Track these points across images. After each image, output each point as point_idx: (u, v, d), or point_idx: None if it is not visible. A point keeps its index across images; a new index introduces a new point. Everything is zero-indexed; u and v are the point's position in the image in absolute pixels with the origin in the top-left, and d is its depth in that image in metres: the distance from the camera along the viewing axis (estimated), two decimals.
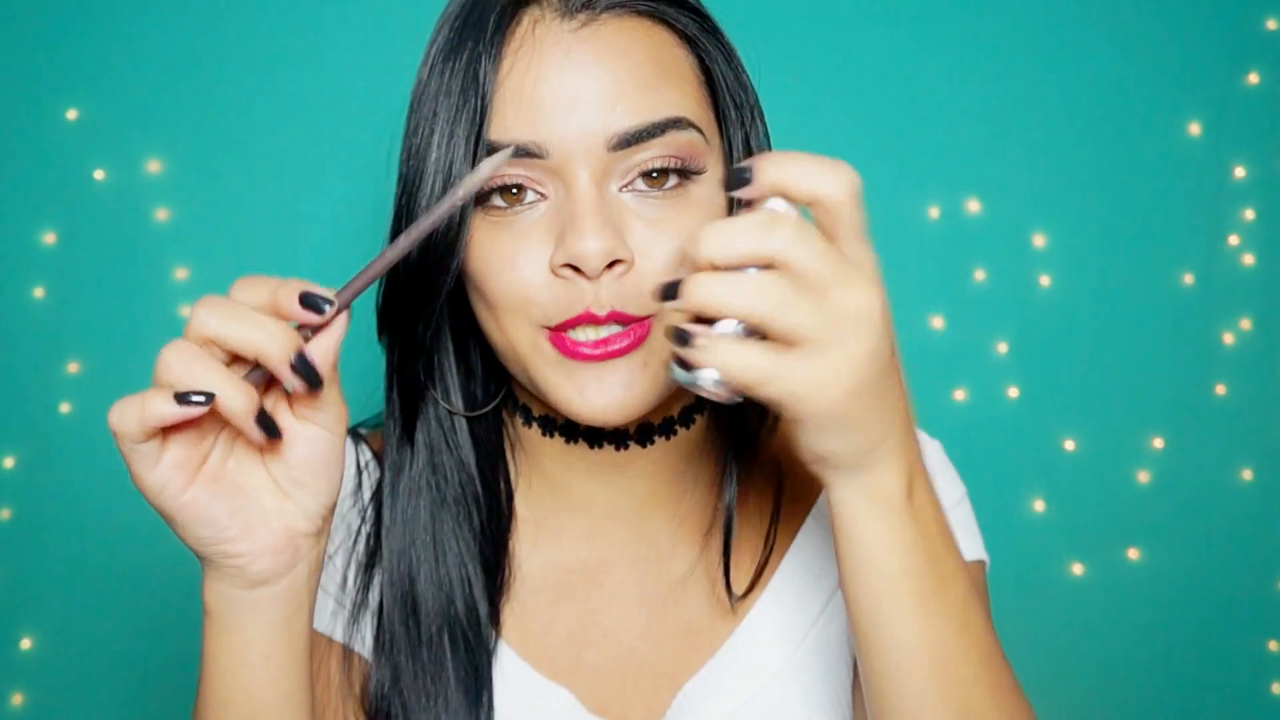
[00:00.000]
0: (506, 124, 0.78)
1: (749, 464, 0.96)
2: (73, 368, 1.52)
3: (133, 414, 0.63)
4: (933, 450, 1.00)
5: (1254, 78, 1.61)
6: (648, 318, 0.80)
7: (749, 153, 0.86)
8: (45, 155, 1.50)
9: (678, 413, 0.91)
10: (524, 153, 0.77)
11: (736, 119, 0.85)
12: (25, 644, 1.52)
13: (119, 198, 1.51)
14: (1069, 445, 1.62)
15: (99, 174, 1.51)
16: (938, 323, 1.60)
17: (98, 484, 1.52)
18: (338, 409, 0.70)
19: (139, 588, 1.53)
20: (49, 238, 1.51)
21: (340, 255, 1.53)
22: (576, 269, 0.77)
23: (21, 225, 1.51)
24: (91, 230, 1.51)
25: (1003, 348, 1.61)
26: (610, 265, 0.77)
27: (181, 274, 1.52)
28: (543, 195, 0.79)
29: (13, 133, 1.50)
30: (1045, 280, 1.61)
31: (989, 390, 1.61)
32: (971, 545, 0.96)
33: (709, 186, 0.81)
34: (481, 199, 0.80)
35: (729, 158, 0.84)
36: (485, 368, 0.93)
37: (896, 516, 0.68)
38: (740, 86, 0.86)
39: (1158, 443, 1.62)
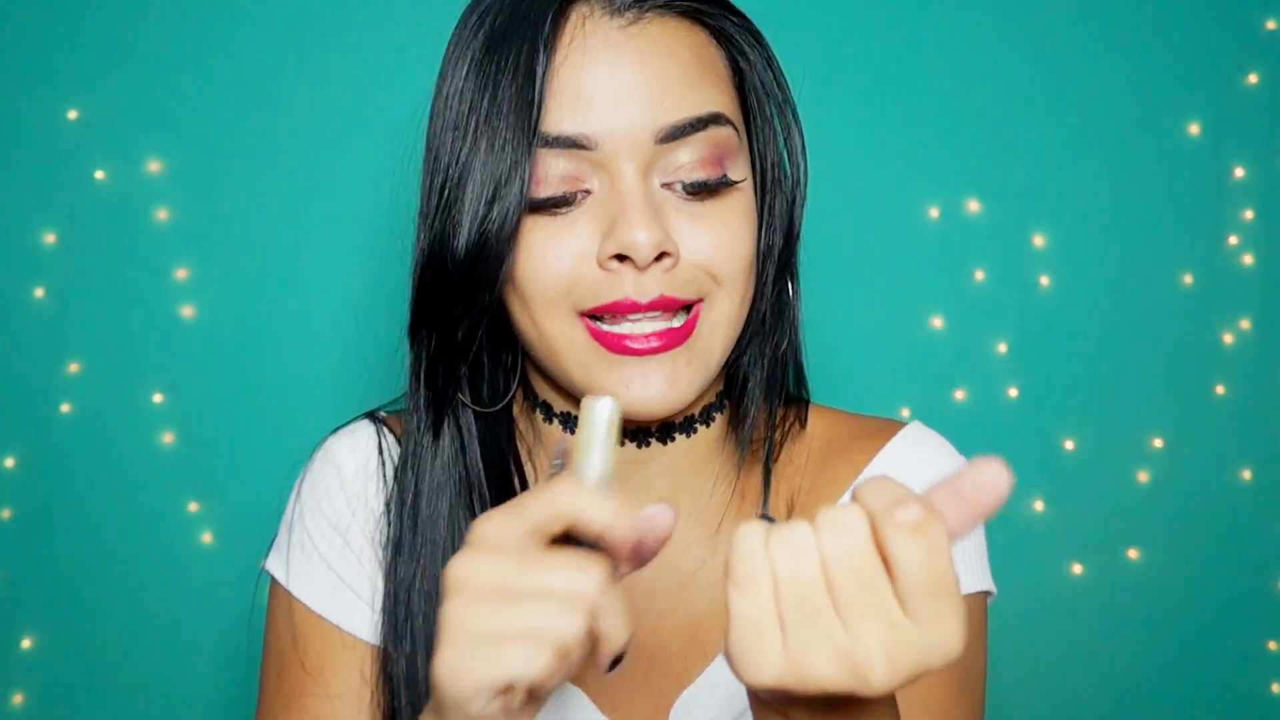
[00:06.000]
0: (556, 117, 0.80)
1: (763, 468, 0.96)
2: (73, 368, 1.52)
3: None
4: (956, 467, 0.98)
5: (1254, 78, 1.61)
6: (694, 303, 0.82)
7: (782, 153, 0.90)
8: (45, 155, 1.50)
9: (699, 411, 0.92)
10: (571, 144, 0.80)
11: (769, 119, 0.89)
12: (25, 644, 1.52)
13: (119, 198, 1.51)
14: (1069, 445, 1.62)
15: (99, 174, 1.51)
16: (938, 323, 1.60)
17: (98, 484, 1.52)
18: None
19: (139, 588, 1.53)
20: (49, 238, 1.51)
21: (340, 255, 1.53)
22: (624, 259, 0.80)
23: (21, 225, 1.51)
24: (91, 230, 1.51)
25: (1003, 348, 1.61)
26: (658, 257, 0.80)
27: (181, 274, 1.52)
28: (587, 191, 0.81)
29: (13, 133, 1.50)
30: (1045, 280, 1.61)
31: (989, 390, 1.61)
32: (977, 576, 0.95)
33: (743, 178, 0.85)
34: (533, 208, 0.81)
35: (757, 156, 0.88)
36: (493, 365, 0.94)
37: None
38: (778, 87, 0.90)
39: (1158, 443, 1.62)
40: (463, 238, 0.82)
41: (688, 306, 0.83)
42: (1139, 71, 1.60)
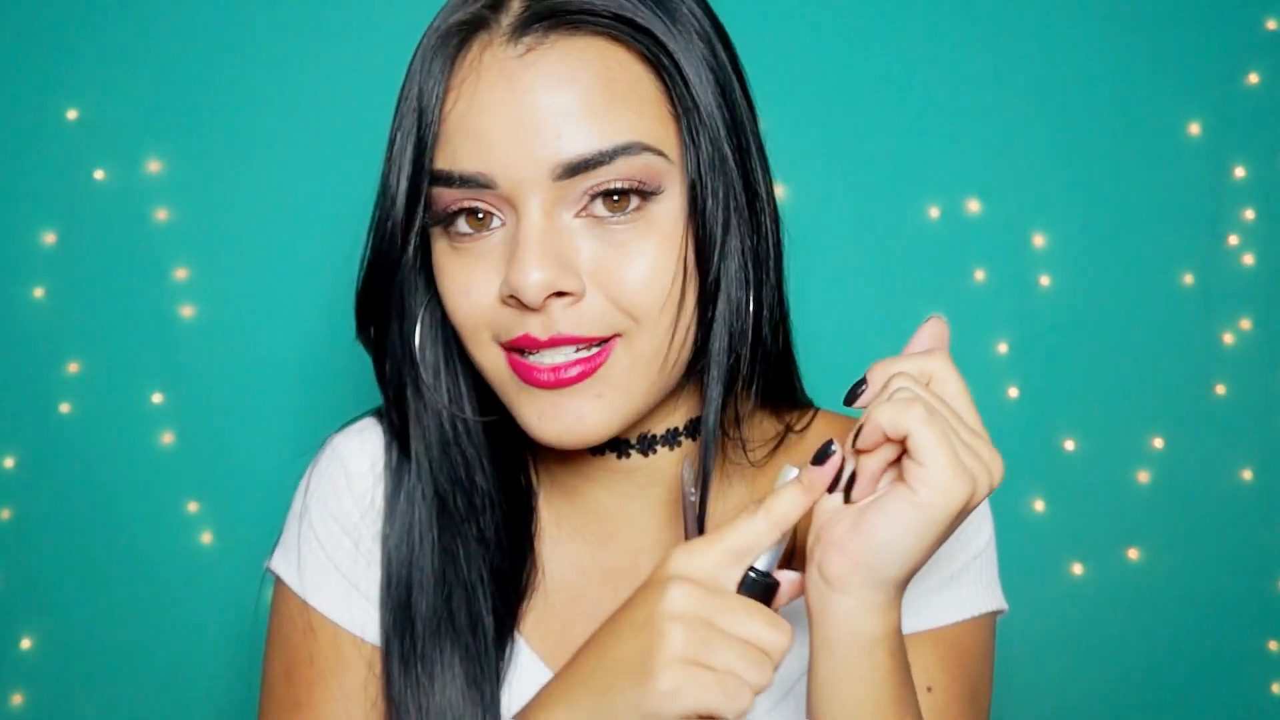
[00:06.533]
0: (453, 154, 0.78)
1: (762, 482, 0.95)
2: (73, 368, 1.52)
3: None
4: None
5: (1254, 78, 1.61)
6: (604, 340, 0.79)
7: (721, 169, 0.81)
8: (45, 155, 1.50)
9: (683, 424, 0.90)
10: (474, 183, 0.77)
11: (706, 134, 0.80)
12: (25, 644, 1.53)
13: (119, 198, 1.51)
14: (1069, 445, 1.62)
15: (99, 174, 1.51)
16: None
17: (98, 484, 1.52)
18: None
19: (138, 587, 1.53)
20: (49, 238, 1.51)
21: (340, 255, 1.53)
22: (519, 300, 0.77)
23: (21, 225, 1.51)
24: (91, 230, 1.51)
25: (1003, 348, 1.61)
26: (558, 295, 0.77)
27: (181, 274, 1.52)
28: (503, 221, 0.79)
29: (13, 133, 1.50)
30: (1045, 280, 1.61)
31: (989, 390, 1.61)
32: (987, 596, 0.93)
33: (669, 204, 0.79)
34: (447, 222, 0.80)
35: (699, 175, 0.80)
36: None
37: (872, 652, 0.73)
38: (720, 101, 0.81)
39: (1158, 443, 1.62)
40: (369, 245, 0.85)
41: (604, 340, 0.79)
42: (1139, 71, 1.60)
